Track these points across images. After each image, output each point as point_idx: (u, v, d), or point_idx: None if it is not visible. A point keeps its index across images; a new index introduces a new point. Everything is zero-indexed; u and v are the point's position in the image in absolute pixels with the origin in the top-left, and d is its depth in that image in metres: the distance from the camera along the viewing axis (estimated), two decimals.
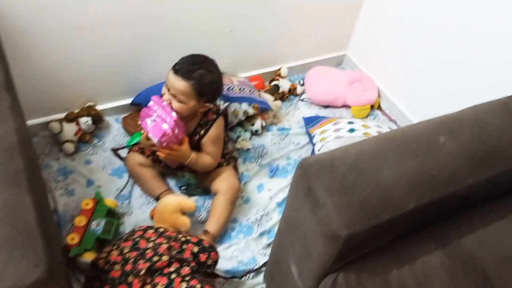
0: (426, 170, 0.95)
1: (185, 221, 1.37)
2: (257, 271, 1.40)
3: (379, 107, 2.09)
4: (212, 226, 1.45)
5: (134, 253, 1.14)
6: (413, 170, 0.94)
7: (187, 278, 1.12)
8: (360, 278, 0.95)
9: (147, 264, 1.11)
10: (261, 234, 1.50)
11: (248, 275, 1.39)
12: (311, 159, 0.93)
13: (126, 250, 1.15)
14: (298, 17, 1.91)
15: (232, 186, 1.53)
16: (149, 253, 1.14)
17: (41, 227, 0.73)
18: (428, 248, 1.02)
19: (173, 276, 1.12)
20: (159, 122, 1.36)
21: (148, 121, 1.38)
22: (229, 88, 1.64)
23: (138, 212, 1.50)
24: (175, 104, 1.38)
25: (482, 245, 1.03)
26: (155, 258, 1.13)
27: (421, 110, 1.89)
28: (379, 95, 2.09)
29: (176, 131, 1.37)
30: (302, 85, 2.08)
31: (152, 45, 1.65)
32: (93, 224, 1.35)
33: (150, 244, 1.17)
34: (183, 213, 1.40)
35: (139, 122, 1.72)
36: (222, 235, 1.48)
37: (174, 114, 1.36)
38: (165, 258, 1.14)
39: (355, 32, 2.15)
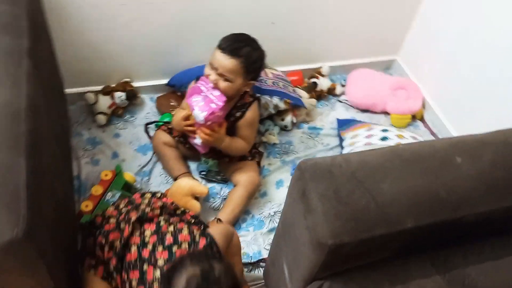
0: (433, 190, 0.89)
1: (195, 205, 1.38)
2: (256, 264, 1.39)
3: (422, 119, 1.99)
4: (226, 216, 1.45)
5: (129, 207, 1.18)
6: (417, 188, 0.88)
7: (174, 223, 1.16)
8: None
9: (139, 214, 1.15)
10: (271, 230, 1.48)
11: (250, 268, 1.38)
12: (310, 161, 0.90)
13: (122, 206, 1.20)
14: (347, 14, 1.85)
15: (252, 181, 1.52)
16: (143, 208, 1.18)
17: (30, 191, 0.75)
18: (428, 271, 0.96)
19: (162, 223, 1.15)
20: (208, 101, 1.37)
21: (196, 99, 1.39)
22: (261, 80, 1.63)
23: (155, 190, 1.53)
24: (223, 84, 1.38)
25: (488, 279, 0.96)
26: (147, 210, 1.17)
27: (466, 127, 1.78)
28: (424, 106, 1.99)
29: (221, 113, 1.39)
30: (343, 86, 2.02)
31: (192, 29, 1.67)
32: (108, 195, 1.39)
33: (145, 201, 1.20)
34: (196, 198, 1.41)
35: (171, 103, 1.77)
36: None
37: (222, 95, 1.37)
38: (156, 211, 1.18)
39: (408, 37, 2.06)
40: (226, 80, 1.38)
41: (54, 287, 0.84)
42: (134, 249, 1.09)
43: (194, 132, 1.44)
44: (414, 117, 1.98)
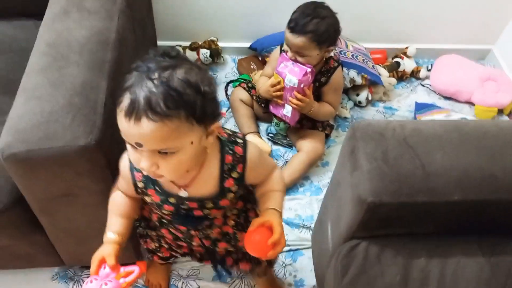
0: (488, 168, 0.87)
1: (265, 146, 1.45)
2: (307, 227, 1.43)
3: (509, 115, 1.87)
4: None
5: None
6: (471, 163, 0.87)
7: None
8: (382, 252, 0.92)
9: None
10: None
11: (300, 229, 1.43)
12: (364, 122, 0.92)
13: None
14: None
15: (315, 150, 1.55)
16: None
17: (106, 108, 0.87)
18: (472, 252, 0.94)
19: None
20: (297, 66, 1.41)
21: (285, 64, 1.43)
22: (340, 51, 1.63)
23: None
24: (300, 59, 1.41)
25: None
26: None
27: None
28: None
29: (311, 76, 1.42)
30: (429, 70, 1.95)
31: None
32: None
33: None
34: None
35: (251, 66, 1.84)
36: (289, 189, 1.52)
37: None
38: None
39: (508, 27, 1.92)
40: (303, 56, 1.40)
41: None
42: None
43: (281, 99, 1.48)
44: (500, 112, 1.86)
